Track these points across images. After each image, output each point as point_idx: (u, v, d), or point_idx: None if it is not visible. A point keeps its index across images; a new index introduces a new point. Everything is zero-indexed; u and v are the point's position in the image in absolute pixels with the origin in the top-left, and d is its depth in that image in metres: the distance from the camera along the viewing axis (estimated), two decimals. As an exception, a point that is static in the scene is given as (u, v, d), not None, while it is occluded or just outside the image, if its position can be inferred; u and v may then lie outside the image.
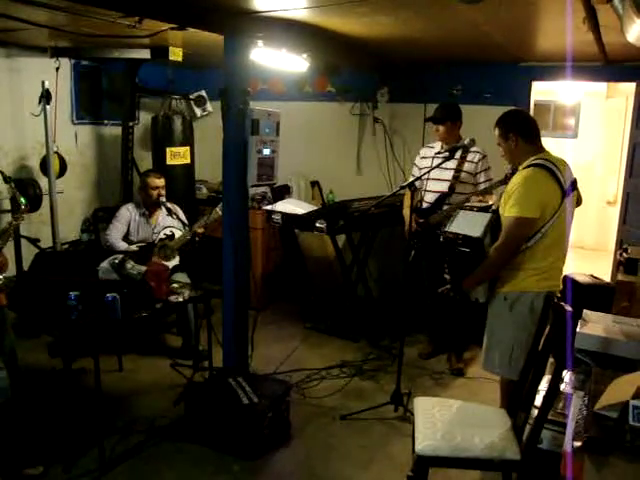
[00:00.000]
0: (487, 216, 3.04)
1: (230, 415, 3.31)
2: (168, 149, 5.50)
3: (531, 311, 2.89)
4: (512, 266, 2.93)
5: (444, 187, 4.21)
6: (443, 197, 4.22)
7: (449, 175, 4.20)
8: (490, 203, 3.37)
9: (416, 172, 4.36)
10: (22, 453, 3.10)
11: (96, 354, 3.08)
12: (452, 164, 4.12)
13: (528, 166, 2.90)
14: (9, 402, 2.78)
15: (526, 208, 2.80)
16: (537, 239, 2.87)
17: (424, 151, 4.43)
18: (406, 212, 4.30)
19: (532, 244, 2.88)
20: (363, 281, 5.41)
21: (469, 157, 4.16)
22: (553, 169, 2.86)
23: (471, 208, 3.24)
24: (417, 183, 4.17)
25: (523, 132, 2.99)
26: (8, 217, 4.73)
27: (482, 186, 4.14)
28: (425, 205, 4.31)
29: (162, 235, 4.56)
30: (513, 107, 4.72)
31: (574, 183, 2.99)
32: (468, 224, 3.04)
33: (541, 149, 3.00)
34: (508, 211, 2.85)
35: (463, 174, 4.18)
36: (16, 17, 3.34)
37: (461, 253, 2.98)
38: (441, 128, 4.20)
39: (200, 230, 4.40)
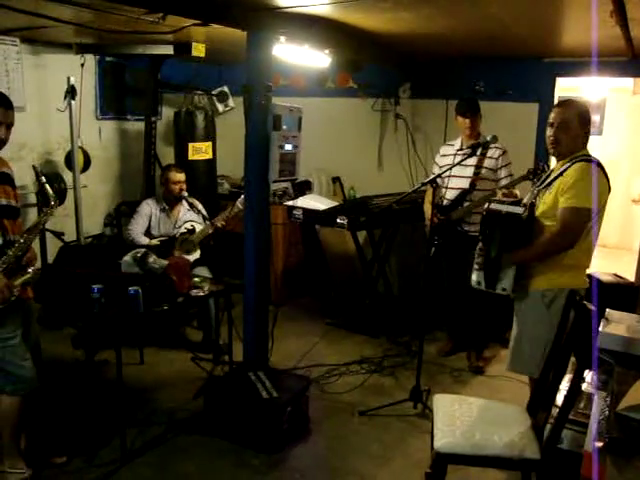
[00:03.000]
0: (521, 209, 2.99)
1: (249, 409, 3.33)
2: (190, 144, 5.54)
3: None
4: (553, 262, 2.90)
5: (465, 184, 4.21)
6: (464, 194, 4.20)
7: (470, 172, 4.19)
8: (519, 198, 3.31)
9: (436, 170, 4.34)
10: (48, 442, 3.16)
11: (118, 347, 3.11)
12: (472, 161, 4.11)
13: (580, 160, 2.86)
14: (35, 392, 2.82)
15: (586, 199, 2.77)
16: (582, 235, 2.84)
17: (444, 149, 4.42)
18: (427, 208, 4.30)
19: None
20: (383, 277, 5.40)
21: (489, 153, 4.15)
22: (603, 166, 2.88)
23: (502, 202, 3.16)
24: (438, 180, 4.17)
25: (590, 129, 2.98)
26: (34, 211, 4.81)
27: (504, 181, 4.11)
28: (446, 202, 4.29)
29: (183, 229, 4.60)
30: (537, 103, 4.73)
31: None
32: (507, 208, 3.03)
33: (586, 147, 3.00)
34: (566, 202, 2.80)
35: (484, 170, 4.17)
36: (44, 14, 3.38)
37: (507, 226, 2.94)
38: (467, 121, 4.19)
39: (221, 224, 4.44)
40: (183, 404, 3.74)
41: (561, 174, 2.90)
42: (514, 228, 2.93)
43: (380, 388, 4.10)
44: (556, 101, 5.04)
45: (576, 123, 2.91)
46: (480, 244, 3.05)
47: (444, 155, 4.37)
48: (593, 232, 2.91)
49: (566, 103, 3.00)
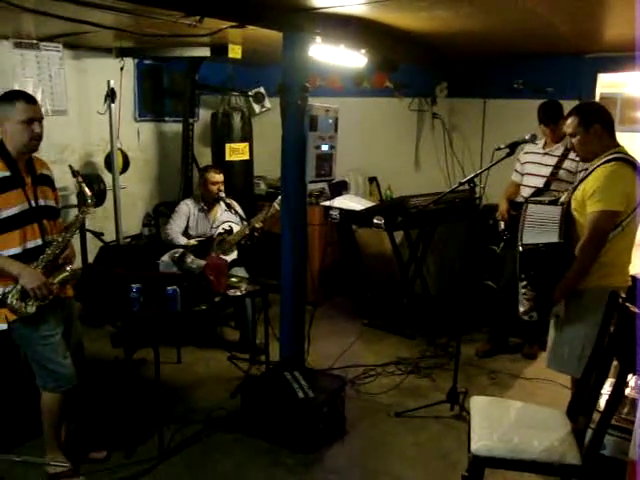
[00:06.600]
0: (558, 210, 2.95)
1: (286, 409, 3.34)
2: (227, 145, 5.58)
3: None
4: (594, 262, 2.85)
5: (540, 182, 4.17)
6: (538, 193, 4.14)
7: (547, 171, 4.16)
8: (557, 197, 3.26)
9: (518, 167, 4.37)
10: (88, 437, 3.23)
11: (156, 345, 3.16)
12: (552, 161, 4.12)
13: (610, 160, 2.82)
14: (75, 389, 2.89)
15: (611, 201, 2.74)
16: (616, 233, 2.80)
17: (528, 147, 4.34)
18: (502, 202, 4.30)
19: (611, 238, 2.80)
20: (420, 278, 5.36)
21: (571, 155, 4.07)
22: (637, 164, 2.81)
23: (540, 201, 3.14)
24: (518, 177, 4.34)
25: (606, 124, 2.92)
26: (76, 211, 4.91)
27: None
28: (520, 199, 4.26)
29: (221, 230, 4.64)
30: (577, 101, 4.61)
31: None
32: (541, 225, 2.93)
33: (617, 144, 2.93)
34: (593, 206, 2.77)
35: (562, 172, 4.12)
36: (86, 21, 3.45)
37: (549, 259, 2.84)
38: (548, 130, 4.19)
39: (258, 225, 4.46)
40: (220, 403, 3.77)
41: (590, 174, 2.89)
42: (556, 257, 2.85)
43: (417, 389, 4.07)
44: (597, 98, 4.94)
45: (580, 129, 2.91)
46: (524, 283, 2.91)
47: (527, 152, 4.33)
48: (632, 230, 2.87)
49: (570, 114, 2.99)
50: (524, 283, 2.91)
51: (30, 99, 2.70)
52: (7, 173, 2.65)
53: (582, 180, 2.96)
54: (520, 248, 2.87)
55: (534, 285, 2.89)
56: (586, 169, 4.00)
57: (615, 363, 2.33)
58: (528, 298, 2.90)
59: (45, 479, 2.90)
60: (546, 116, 4.19)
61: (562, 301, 2.91)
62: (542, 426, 2.49)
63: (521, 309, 2.95)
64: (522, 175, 4.35)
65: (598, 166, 2.85)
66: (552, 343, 3.08)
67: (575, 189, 2.98)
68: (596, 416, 2.36)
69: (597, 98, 4.94)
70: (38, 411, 2.90)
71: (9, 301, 2.61)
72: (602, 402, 2.52)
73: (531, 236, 2.90)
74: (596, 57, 4.78)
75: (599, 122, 2.90)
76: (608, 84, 5.43)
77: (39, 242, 2.75)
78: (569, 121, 2.97)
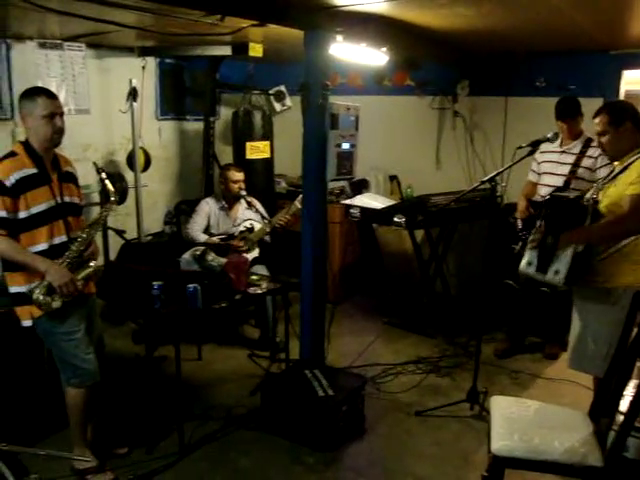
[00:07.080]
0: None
1: (306, 407, 3.35)
2: (248, 143, 5.59)
3: None
4: (620, 258, 2.82)
5: (559, 182, 4.12)
6: (558, 191, 4.10)
7: (565, 170, 4.12)
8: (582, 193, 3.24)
9: (534, 166, 4.33)
10: (111, 433, 3.26)
11: (177, 343, 3.18)
12: (570, 159, 4.08)
13: None
14: (97, 385, 2.92)
15: None
16: None
17: (544, 146, 4.31)
18: (520, 200, 4.28)
19: None
20: (441, 277, 5.33)
21: (589, 152, 4.05)
22: None
23: (566, 196, 3.14)
24: (535, 177, 4.31)
25: (637, 122, 2.89)
26: (97, 210, 4.96)
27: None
28: (539, 198, 4.23)
29: (242, 228, 4.66)
30: (601, 99, 4.56)
31: None
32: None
33: None
34: (634, 190, 2.72)
35: (581, 170, 4.08)
36: (109, 20, 3.49)
37: (570, 211, 2.92)
38: (565, 126, 4.14)
39: (279, 223, 4.47)
40: (240, 400, 3.79)
41: (626, 168, 2.84)
42: (577, 213, 2.88)
43: (437, 388, 4.06)
44: (622, 96, 4.88)
45: (611, 128, 2.89)
46: (538, 222, 3.02)
47: (543, 152, 4.27)
48: None
49: (599, 111, 2.96)
50: (538, 223, 3.03)
51: (50, 94, 2.76)
52: (35, 170, 2.71)
53: (614, 177, 2.91)
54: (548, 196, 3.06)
55: (547, 227, 2.97)
56: (605, 165, 3.99)
57: (639, 364, 2.30)
58: (535, 238, 3.01)
59: (72, 473, 2.95)
60: (563, 112, 4.14)
61: (565, 256, 2.87)
62: (563, 427, 2.47)
63: (524, 260, 3.04)
64: (539, 174, 4.30)
65: (632, 162, 2.81)
66: (575, 342, 3.04)
67: (603, 187, 2.95)
68: (619, 418, 2.34)
69: (622, 95, 4.87)
70: (62, 405, 2.94)
71: (35, 296, 2.65)
72: (625, 403, 2.49)
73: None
74: (621, 53, 4.71)
75: (630, 120, 2.87)
76: (633, 81, 5.35)
77: (64, 238, 2.80)
78: (598, 119, 2.94)
